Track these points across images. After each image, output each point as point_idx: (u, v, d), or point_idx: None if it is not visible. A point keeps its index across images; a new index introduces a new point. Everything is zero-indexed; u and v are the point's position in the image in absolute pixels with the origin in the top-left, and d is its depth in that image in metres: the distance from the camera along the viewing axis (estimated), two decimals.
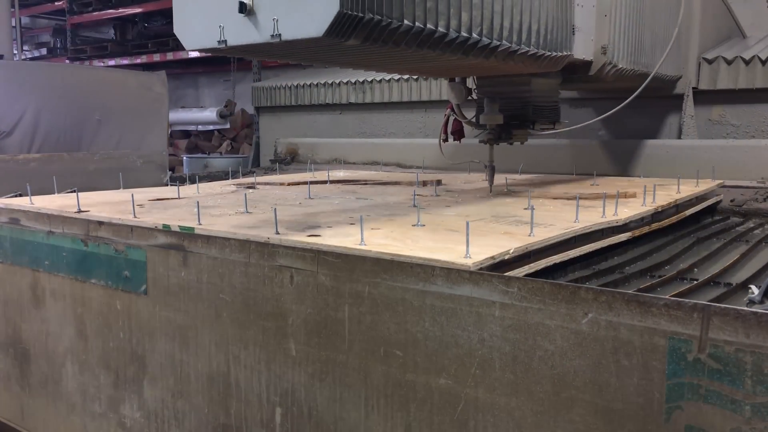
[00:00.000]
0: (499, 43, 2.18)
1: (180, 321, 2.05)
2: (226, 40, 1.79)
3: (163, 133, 5.51)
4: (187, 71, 13.56)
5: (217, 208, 2.49)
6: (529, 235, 1.82)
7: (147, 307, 2.14)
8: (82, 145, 5.05)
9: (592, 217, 2.14)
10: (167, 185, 4.00)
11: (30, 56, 15.72)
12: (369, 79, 5.36)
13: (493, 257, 1.58)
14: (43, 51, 15.90)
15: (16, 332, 2.67)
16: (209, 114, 11.75)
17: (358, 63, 2.48)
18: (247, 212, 2.34)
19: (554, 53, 2.46)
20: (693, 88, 3.96)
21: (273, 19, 1.69)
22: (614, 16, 2.87)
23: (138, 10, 12.75)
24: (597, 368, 1.30)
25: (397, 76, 5.16)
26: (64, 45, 14.66)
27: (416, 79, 5.10)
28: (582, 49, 2.73)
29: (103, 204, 2.60)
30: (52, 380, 2.55)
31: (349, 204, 2.62)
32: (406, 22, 1.84)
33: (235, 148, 11.57)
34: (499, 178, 3.23)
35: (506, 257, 1.64)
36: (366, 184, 3.51)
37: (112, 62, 13.11)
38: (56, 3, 14.52)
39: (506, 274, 1.51)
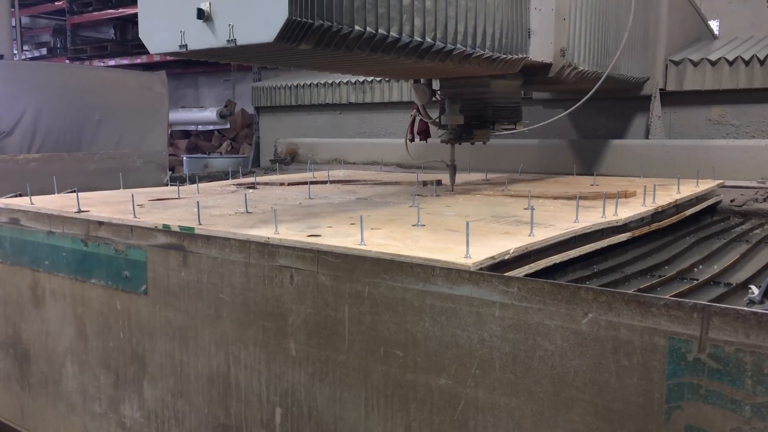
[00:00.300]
0: (453, 47, 2.23)
1: (180, 321, 2.05)
2: (186, 45, 1.88)
3: (163, 133, 5.51)
4: (187, 71, 13.55)
5: (217, 208, 2.49)
6: (529, 236, 1.82)
7: (147, 307, 2.14)
8: (82, 145, 5.05)
9: (592, 217, 2.14)
10: (167, 185, 4.00)
11: (30, 56, 15.72)
12: (369, 80, 5.36)
13: (493, 257, 1.58)
14: (43, 51, 15.89)
15: (16, 332, 2.67)
16: (209, 114, 11.75)
17: (314, 65, 2.56)
18: (247, 212, 2.34)
19: (510, 56, 2.50)
20: (660, 89, 4.05)
21: (229, 25, 1.78)
22: (574, 20, 2.91)
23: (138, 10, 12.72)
24: (597, 368, 1.30)
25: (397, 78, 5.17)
26: (64, 45, 14.65)
27: None
28: (540, 51, 2.77)
29: (103, 204, 2.60)
30: (52, 380, 2.55)
31: (349, 204, 2.62)
32: (357, 27, 1.89)
33: (235, 148, 11.57)
34: (501, 179, 3.24)
35: (506, 257, 1.64)
36: (366, 184, 3.51)
37: (112, 62, 13.10)
38: (56, 3, 14.51)
39: (506, 274, 1.51)
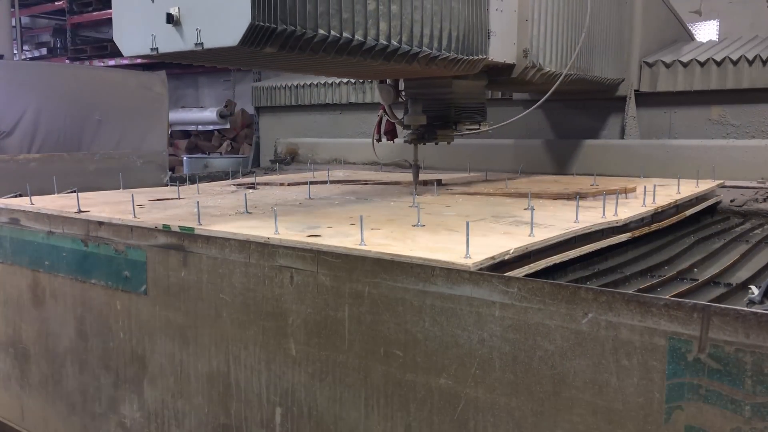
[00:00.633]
0: (419, 49, 2.27)
1: (180, 321, 2.05)
2: (157, 48, 1.94)
3: (163, 133, 5.50)
4: (187, 71, 13.53)
5: (217, 208, 2.49)
6: (529, 236, 1.82)
7: (147, 307, 2.14)
8: (82, 145, 5.04)
9: (592, 217, 2.14)
10: (167, 185, 4.00)
11: (30, 56, 15.72)
12: (369, 79, 5.36)
13: (493, 257, 1.58)
14: (43, 51, 15.89)
15: (16, 332, 2.67)
16: (209, 114, 11.74)
17: (281, 67, 2.61)
18: (247, 212, 2.34)
19: (470, 57, 2.53)
20: (635, 90, 4.12)
21: (196, 29, 1.84)
22: (537, 21, 2.92)
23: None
24: (597, 368, 1.30)
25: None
26: (64, 45, 14.65)
27: None
28: (502, 52, 2.78)
29: (103, 204, 2.60)
30: (52, 380, 2.55)
31: (349, 204, 2.62)
32: (321, 31, 1.94)
33: (235, 148, 11.56)
34: (500, 178, 3.23)
35: (506, 257, 1.64)
36: (366, 184, 3.51)
37: (112, 62, 13.10)
38: (56, 3, 14.52)
39: (506, 274, 1.51)
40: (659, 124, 4.14)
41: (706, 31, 8.34)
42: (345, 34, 2.00)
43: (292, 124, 6.06)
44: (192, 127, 12.35)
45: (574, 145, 4.11)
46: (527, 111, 3.14)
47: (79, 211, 2.39)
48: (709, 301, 1.42)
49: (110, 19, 2.10)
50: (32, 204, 2.59)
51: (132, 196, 2.50)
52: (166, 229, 2.07)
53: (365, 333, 1.62)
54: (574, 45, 3.21)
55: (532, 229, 1.86)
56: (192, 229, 2.01)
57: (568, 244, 1.90)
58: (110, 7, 2.08)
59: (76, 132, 5.02)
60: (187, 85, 14.15)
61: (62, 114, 4.94)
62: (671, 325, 1.21)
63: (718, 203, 3.10)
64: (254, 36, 1.78)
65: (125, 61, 12.97)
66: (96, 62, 13.33)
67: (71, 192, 2.95)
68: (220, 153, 11.23)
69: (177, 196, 2.90)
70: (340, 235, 1.85)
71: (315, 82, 5.75)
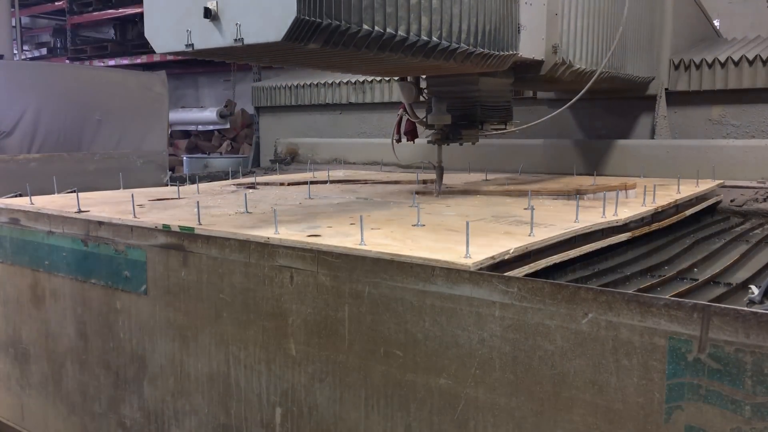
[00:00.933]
0: (457, 45, 2.21)
1: (180, 321, 2.05)
2: (193, 44, 1.86)
3: (163, 133, 5.50)
4: (187, 71, 13.54)
5: (217, 208, 2.49)
6: (529, 235, 1.82)
7: (147, 307, 2.14)
8: (82, 145, 5.04)
9: (592, 217, 2.14)
10: (167, 185, 4.00)
11: (30, 56, 15.72)
12: (369, 79, 5.36)
13: (493, 257, 1.58)
14: (43, 51, 15.89)
15: (16, 332, 2.67)
16: (209, 114, 11.74)
17: (320, 65, 2.54)
18: (247, 212, 2.34)
19: (501, 52, 2.44)
20: (665, 89, 4.05)
21: (236, 24, 1.76)
22: (568, 16, 2.80)
23: (138, 10, 12.70)
24: (597, 368, 1.30)
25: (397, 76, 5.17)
26: (64, 45, 14.64)
27: None
28: (530, 47, 2.67)
29: (103, 204, 2.60)
30: (52, 380, 2.55)
31: (349, 204, 2.62)
32: (365, 27, 1.88)
33: (235, 148, 11.56)
34: (501, 179, 3.23)
35: (506, 257, 1.64)
36: (366, 184, 3.51)
37: (112, 62, 13.10)
38: (56, 3, 14.51)
39: (506, 274, 1.51)
40: (686, 123, 4.06)
41: None
42: (389, 30, 1.94)
43: (292, 124, 6.06)
44: (192, 127, 12.36)
45: (600, 145, 4.02)
46: (560, 109, 2.96)
47: (79, 211, 2.39)
48: (709, 301, 1.42)
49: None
50: (32, 204, 2.59)
51: (132, 196, 2.50)
52: (166, 229, 2.07)
53: (365, 333, 1.62)
54: (606, 41, 3.09)
55: (532, 228, 1.86)
56: (192, 229, 2.01)
57: (568, 244, 1.90)
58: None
59: (76, 132, 5.02)
60: (187, 85, 14.15)
61: (62, 114, 4.94)
62: (671, 325, 1.21)
63: (718, 203, 3.10)
64: (299, 31, 1.71)
65: (125, 61, 12.99)
66: (96, 62, 13.33)
67: (71, 192, 2.95)
68: (220, 153, 11.23)
69: (177, 196, 2.90)
70: (340, 235, 1.85)
71: (315, 82, 5.75)
